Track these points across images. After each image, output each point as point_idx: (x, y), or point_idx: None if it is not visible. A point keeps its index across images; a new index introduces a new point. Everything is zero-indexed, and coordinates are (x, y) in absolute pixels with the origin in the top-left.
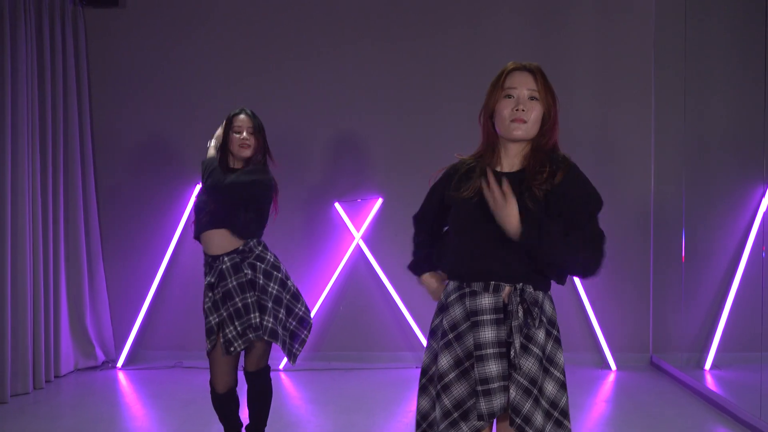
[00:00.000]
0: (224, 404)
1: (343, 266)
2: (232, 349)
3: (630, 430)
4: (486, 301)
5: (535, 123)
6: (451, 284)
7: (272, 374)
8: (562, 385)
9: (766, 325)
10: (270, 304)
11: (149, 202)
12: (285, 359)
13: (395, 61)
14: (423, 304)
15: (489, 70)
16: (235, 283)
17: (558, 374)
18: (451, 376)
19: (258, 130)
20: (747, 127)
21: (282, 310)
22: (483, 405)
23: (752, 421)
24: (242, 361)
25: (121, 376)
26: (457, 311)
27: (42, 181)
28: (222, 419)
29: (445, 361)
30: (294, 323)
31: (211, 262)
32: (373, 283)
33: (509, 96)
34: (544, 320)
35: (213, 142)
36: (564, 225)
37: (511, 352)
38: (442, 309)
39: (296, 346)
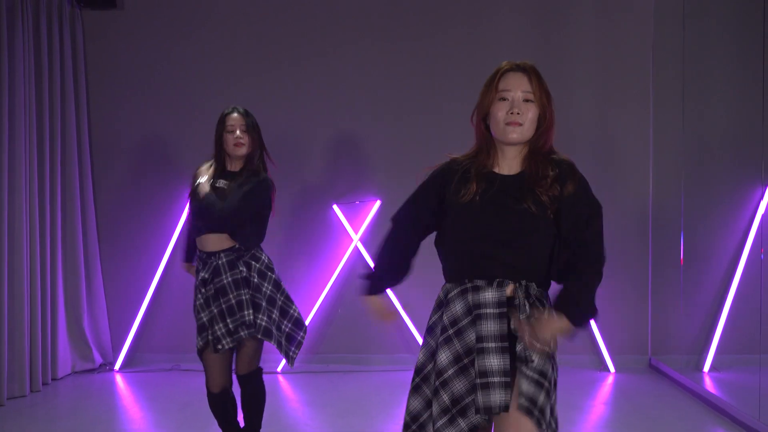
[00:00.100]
0: (219, 405)
1: (341, 268)
2: (219, 346)
3: None
4: (489, 295)
5: (530, 125)
6: (450, 283)
7: (270, 377)
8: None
9: (765, 328)
10: (264, 303)
11: (147, 204)
12: (283, 361)
13: (395, 62)
14: (421, 306)
15: (489, 70)
16: (230, 279)
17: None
18: (451, 371)
19: (251, 128)
20: (746, 128)
21: (276, 311)
22: (480, 398)
23: (750, 423)
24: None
25: (119, 379)
26: (457, 306)
27: (39, 182)
28: (219, 422)
29: (444, 356)
30: (290, 325)
31: (206, 258)
32: None
33: (503, 99)
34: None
35: None
36: (567, 232)
37: (519, 345)
38: (441, 305)
39: (293, 348)
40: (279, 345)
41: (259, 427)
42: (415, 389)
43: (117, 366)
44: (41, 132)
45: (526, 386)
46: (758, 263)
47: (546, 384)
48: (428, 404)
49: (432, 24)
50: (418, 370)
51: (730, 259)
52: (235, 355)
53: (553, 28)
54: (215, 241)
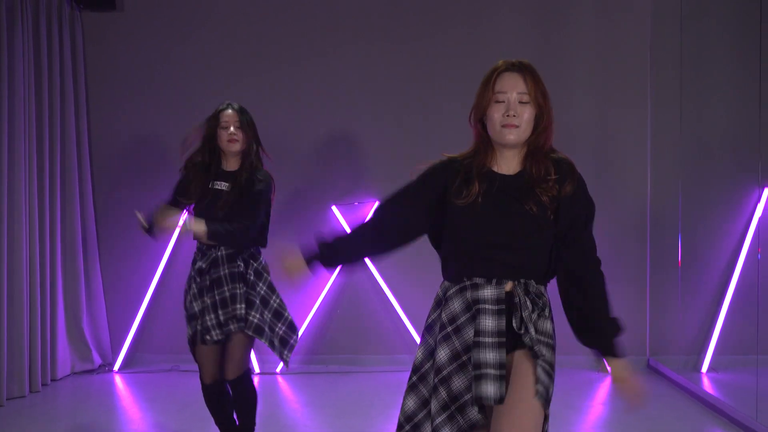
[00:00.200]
0: (213, 398)
1: (340, 269)
2: (208, 337)
3: None
4: (489, 292)
5: (527, 126)
6: (449, 282)
7: (269, 377)
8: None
9: (762, 328)
10: (257, 302)
11: (146, 205)
12: (282, 362)
13: (395, 62)
14: (420, 306)
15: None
16: (227, 271)
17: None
18: (450, 368)
19: (246, 125)
20: (743, 129)
21: (268, 313)
22: (473, 389)
23: (748, 423)
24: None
25: (118, 380)
26: (456, 304)
27: (39, 183)
28: (215, 417)
29: (443, 353)
30: (284, 328)
31: (206, 249)
32: (369, 286)
33: (499, 101)
34: (551, 313)
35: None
36: (563, 231)
37: (526, 339)
38: (440, 304)
39: (286, 351)
40: (272, 345)
41: (253, 426)
42: (412, 388)
43: (116, 367)
44: (41, 133)
45: (542, 376)
46: (755, 264)
47: (552, 373)
48: (424, 404)
49: (432, 24)
50: (415, 369)
51: (728, 260)
52: (223, 359)
53: (552, 28)
54: None
